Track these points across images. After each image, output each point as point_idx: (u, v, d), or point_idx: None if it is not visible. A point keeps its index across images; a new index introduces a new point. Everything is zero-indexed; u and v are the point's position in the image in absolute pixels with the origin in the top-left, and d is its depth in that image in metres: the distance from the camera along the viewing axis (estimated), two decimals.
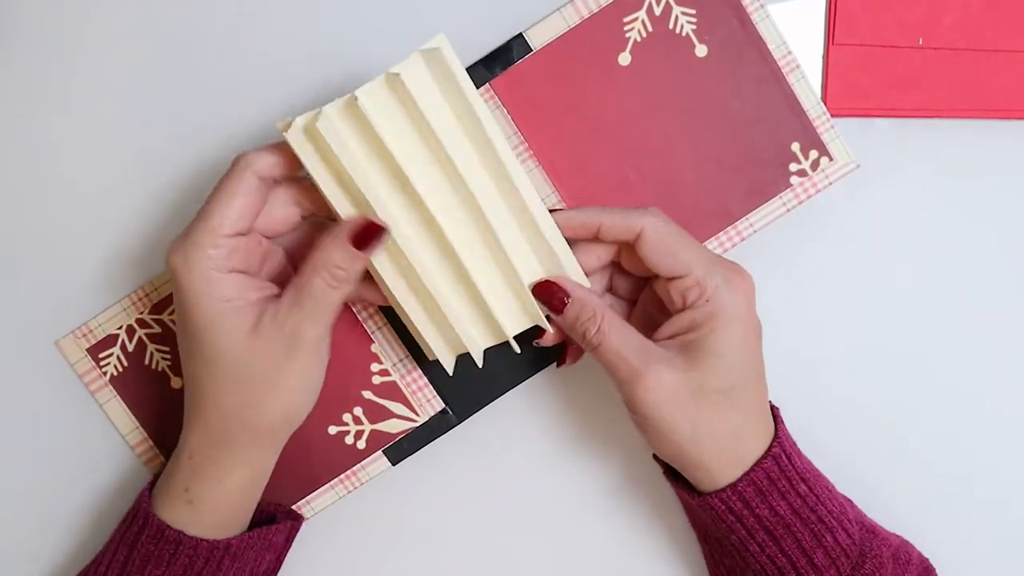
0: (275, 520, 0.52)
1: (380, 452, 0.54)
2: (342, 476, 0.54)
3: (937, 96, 0.53)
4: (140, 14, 0.53)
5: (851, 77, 0.53)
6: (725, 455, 0.47)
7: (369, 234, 0.46)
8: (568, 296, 0.47)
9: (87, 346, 0.53)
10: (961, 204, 0.55)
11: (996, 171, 0.54)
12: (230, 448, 0.48)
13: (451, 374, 0.51)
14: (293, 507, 0.54)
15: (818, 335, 0.55)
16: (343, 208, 0.46)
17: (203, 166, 0.53)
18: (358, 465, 0.54)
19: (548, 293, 0.48)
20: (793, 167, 0.52)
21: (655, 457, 0.51)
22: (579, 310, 0.47)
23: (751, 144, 0.52)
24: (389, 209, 0.46)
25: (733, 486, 0.46)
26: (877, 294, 0.55)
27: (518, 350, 0.50)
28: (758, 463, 0.47)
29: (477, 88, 0.51)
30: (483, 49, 0.52)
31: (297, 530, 0.53)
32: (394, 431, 0.54)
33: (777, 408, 0.50)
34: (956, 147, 0.54)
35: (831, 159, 0.52)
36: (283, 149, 0.46)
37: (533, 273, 0.48)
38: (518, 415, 0.55)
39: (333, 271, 0.46)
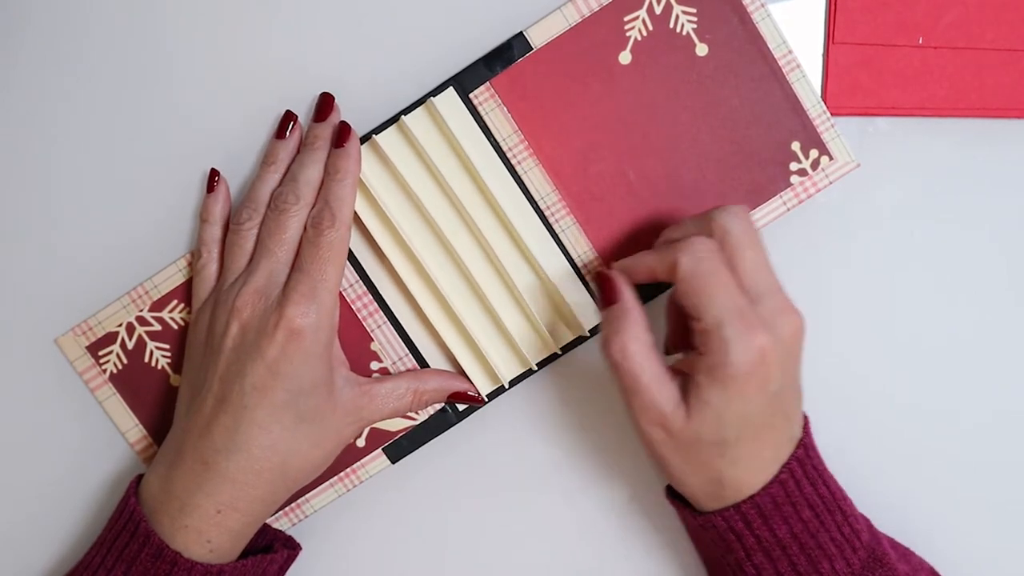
0: (272, 548, 0.52)
1: (380, 450, 0.54)
2: (341, 474, 0.54)
3: (937, 95, 0.53)
4: (142, 15, 0.53)
5: (851, 76, 0.53)
6: (709, 495, 0.48)
7: None
8: (617, 299, 0.48)
9: (87, 344, 0.53)
10: (961, 203, 0.55)
11: (996, 170, 0.55)
12: (263, 504, 0.49)
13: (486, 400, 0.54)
14: (294, 504, 0.54)
15: (816, 334, 0.55)
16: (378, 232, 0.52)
17: (204, 164, 0.53)
18: (358, 463, 0.54)
19: (602, 286, 0.49)
20: (793, 166, 0.53)
21: None
22: (616, 319, 0.47)
23: (751, 143, 0.52)
24: (418, 244, 0.52)
25: (736, 507, 0.47)
26: (876, 293, 0.55)
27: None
28: (758, 493, 0.46)
29: (477, 87, 0.52)
30: (483, 47, 0.52)
31: (293, 560, 0.53)
32: (394, 429, 0.54)
33: (808, 422, 0.49)
34: (956, 146, 0.54)
35: (831, 158, 0.52)
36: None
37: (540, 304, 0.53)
38: (517, 414, 0.55)
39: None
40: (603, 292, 0.49)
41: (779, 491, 0.46)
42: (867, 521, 0.49)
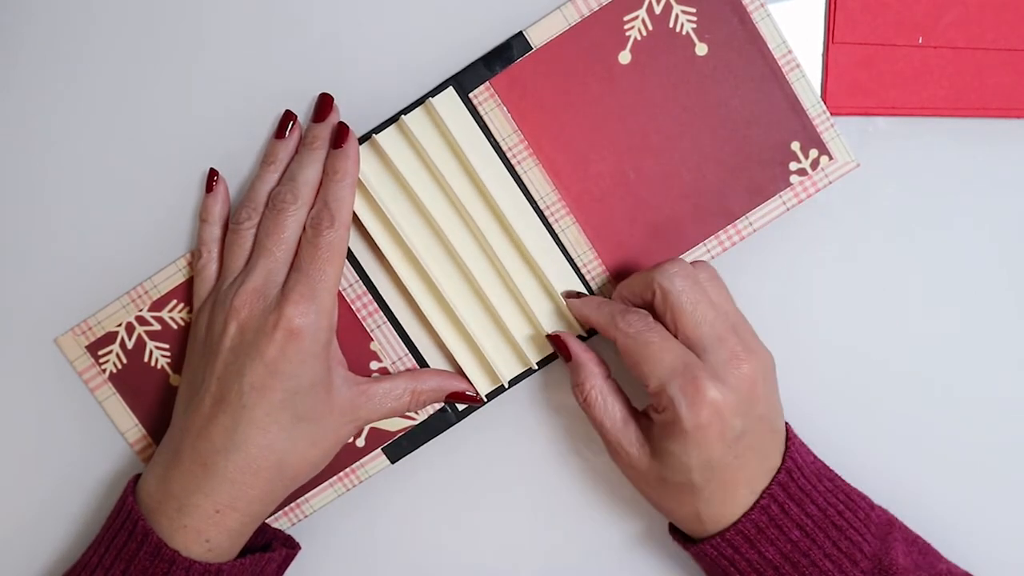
0: (271, 547, 0.52)
1: (379, 450, 0.54)
2: (341, 474, 0.54)
3: (937, 95, 0.53)
4: (141, 16, 0.53)
5: (851, 76, 0.53)
6: (691, 528, 0.49)
7: None
8: (569, 356, 0.51)
9: (86, 343, 0.53)
10: (961, 203, 0.55)
11: (996, 170, 0.54)
12: (261, 503, 0.49)
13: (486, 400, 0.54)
14: (294, 504, 0.54)
15: (816, 334, 0.55)
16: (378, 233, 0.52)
17: (203, 164, 0.54)
18: (357, 463, 0.54)
19: (555, 347, 0.52)
20: (793, 166, 0.52)
21: None
22: (574, 371, 0.51)
23: (751, 143, 0.52)
24: (417, 243, 0.52)
25: (722, 534, 0.48)
26: (876, 293, 0.55)
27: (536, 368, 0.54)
28: (740, 521, 0.47)
29: (477, 87, 0.52)
30: (483, 47, 0.52)
31: (291, 559, 0.53)
32: (393, 429, 0.54)
33: (792, 436, 0.49)
34: (956, 146, 0.54)
35: (831, 158, 0.52)
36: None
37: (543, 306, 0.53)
38: (517, 414, 0.55)
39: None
40: (558, 351, 0.52)
41: (761, 517, 0.47)
42: (885, 525, 0.49)
